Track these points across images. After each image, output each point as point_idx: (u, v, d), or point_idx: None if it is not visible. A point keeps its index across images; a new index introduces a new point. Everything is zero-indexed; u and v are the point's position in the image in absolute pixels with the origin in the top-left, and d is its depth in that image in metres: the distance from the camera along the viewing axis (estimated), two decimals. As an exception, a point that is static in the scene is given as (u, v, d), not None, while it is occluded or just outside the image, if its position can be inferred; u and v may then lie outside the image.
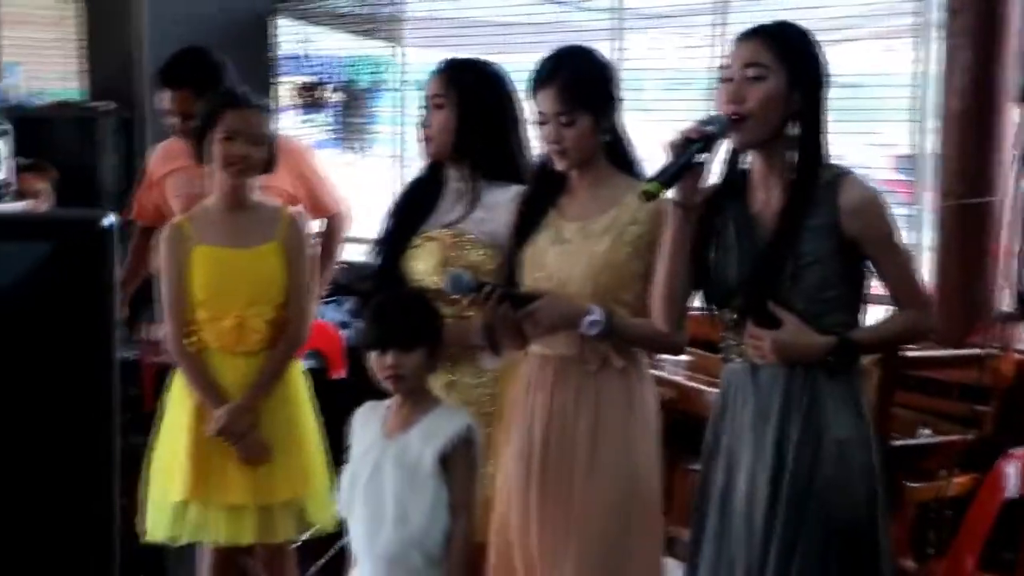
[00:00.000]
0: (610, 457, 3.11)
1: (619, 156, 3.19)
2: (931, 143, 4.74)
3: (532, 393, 3.19)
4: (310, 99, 7.52)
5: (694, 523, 3.02)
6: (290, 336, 3.68)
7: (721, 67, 2.89)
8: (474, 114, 3.39)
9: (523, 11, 6.40)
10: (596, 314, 3.03)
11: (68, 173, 6.65)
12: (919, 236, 4.75)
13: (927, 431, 4.13)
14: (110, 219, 1.26)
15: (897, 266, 2.86)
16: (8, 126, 4.79)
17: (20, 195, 5.15)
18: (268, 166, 3.69)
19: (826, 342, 2.79)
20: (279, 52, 7.55)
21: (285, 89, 7.58)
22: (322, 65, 7.40)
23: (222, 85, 4.41)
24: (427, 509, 3.00)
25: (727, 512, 2.92)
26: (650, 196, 2.74)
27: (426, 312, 3.12)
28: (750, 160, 2.90)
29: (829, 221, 2.78)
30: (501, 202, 3.37)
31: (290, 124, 7.44)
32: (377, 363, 3.06)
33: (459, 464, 3.04)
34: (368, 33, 7.08)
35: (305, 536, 3.86)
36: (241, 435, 3.59)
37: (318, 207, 4.68)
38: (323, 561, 4.29)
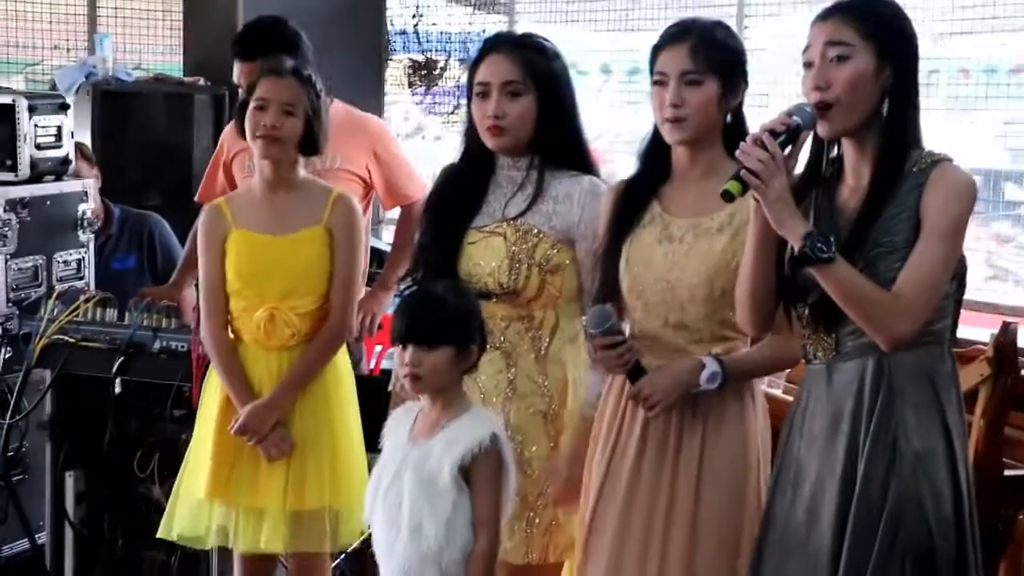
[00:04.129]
0: (721, 474, 3.07)
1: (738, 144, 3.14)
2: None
3: (625, 415, 3.16)
4: (424, 78, 7.56)
5: (758, 537, 2.97)
6: (329, 330, 3.68)
7: (803, 51, 2.82)
8: (554, 102, 3.38)
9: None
10: (712, 365, 3.03)
11: (160, 150, 6.79)
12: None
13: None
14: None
15: (926, 254, 2.68)
16: (69, 101, 4.89)
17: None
18: (309, 146, 3.69)
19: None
20: (390, 28, 7.61)
21: (397, 67, 7.64)
22: (432, 42, 7.43)
23: (298, 57, 4.46)
24: (443, 523, 2.98)
25: (790, 528, 2.87)
26: (730, 197, 2.72)
27: (457, 309, 3.09)
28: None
29: (910, 208, 2.70)
30: (575, 194, 3.36)
31: (403, 104, 7.52)
32: (398, 359, 3.06)
33: (481, 477, 3.01)
34: (482, 7, 7.09)
35: (351, 549, 3.87)
36: (263, 435, 3.60)
37: (394, 193, 4.70)
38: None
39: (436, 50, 7.47)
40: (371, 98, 7.39)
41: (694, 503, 3.07)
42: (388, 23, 7.62)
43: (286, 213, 3.68)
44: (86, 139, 6.21)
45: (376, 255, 5.39)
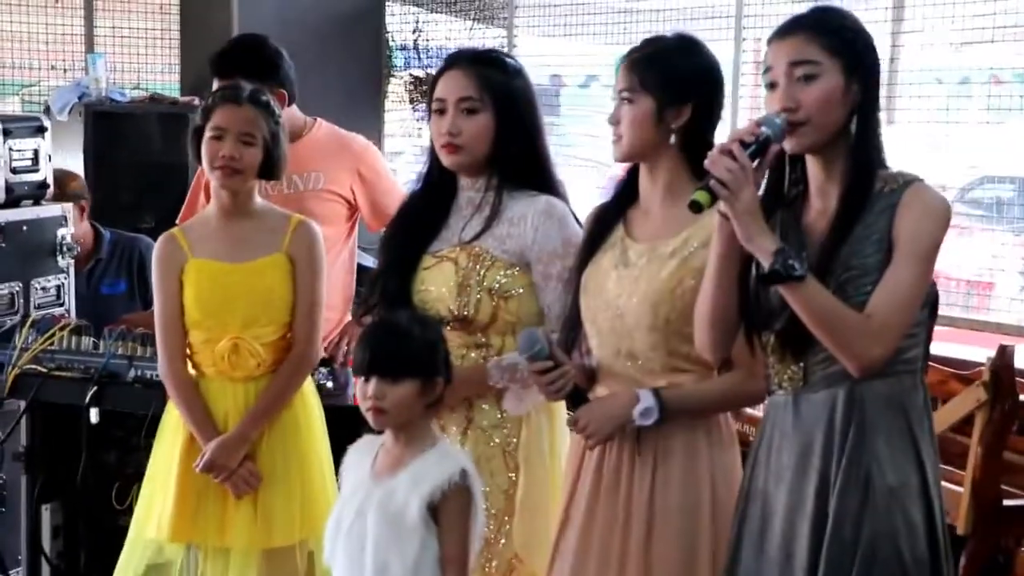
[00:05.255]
0: (672, 513, 2.93)
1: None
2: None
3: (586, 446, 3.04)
4: (425, 94, 7.43)
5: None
6: (294, 359, 3.57)
7: (763, 72, 2.69)
8: (512, 119, 3.25)
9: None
10: (645, 400, 2.90)
11: (154, 171, 6.68)
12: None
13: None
14: None
15: (896, 279, 2.55)
16: (47, 123, 4.78)
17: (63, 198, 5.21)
18: (268, 171, 3.57)
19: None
20: (391, 43, 7.51)
21: (398, 84, 7.54)
22: (433, 58, 7.32)
23: (278, 76, 4.36)
24: (410, 564, 2.85)
25: (762, 568, 2.73)
26: (699, 207, 2.58)
27: (423, 340, 2.95)
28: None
29: (881, 229, 2.58)
30: (529, 214, 3.24)
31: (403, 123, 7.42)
32: (360, 391, 2.93)
33: (450, 514, 2.88)
34: (482, 20, 6.98)
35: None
36: (232, 471, 3.48)
37: (380, 214, 4.57)
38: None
39: (436, 65, 7.33)
40: (371, 115, 7.31)
41: (646, 541, 2.93)
42: (389, 39, 7.51)
43: (245, 240, 3.57)
44: (78, 161, 6.13)
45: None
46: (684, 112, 2.94)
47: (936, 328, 2.77)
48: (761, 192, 2.65)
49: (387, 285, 3.31)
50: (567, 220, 3.24)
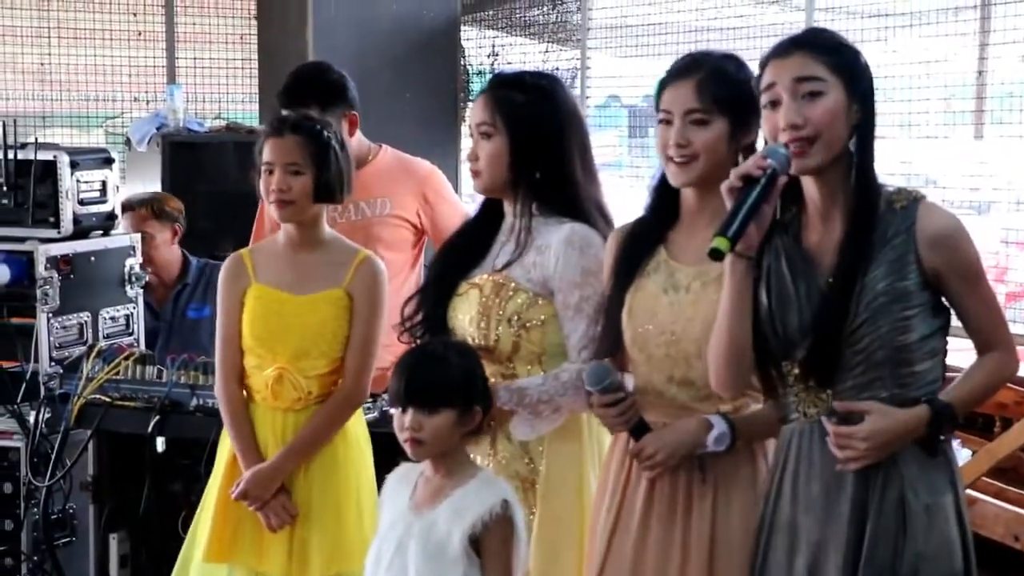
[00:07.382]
0: (736, 545, 2.81)
1: None
2: None
3: (631, 474, 2.92)
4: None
5: None
6: (340, 395, 3.51)
7: (761, 90, 2.61)
8: (527, 141, 3.16)
9: (717, 14, 6.16)
10: (720, 425, 2.80)
11: (231, 199, 6.65)
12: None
13: None
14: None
15: (983, 302, 2.61)
16: (113, 155, 4.78)
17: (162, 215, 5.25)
18: (323, 195, 3.50)
19: (916, 416, 2.53)
20: (468, 67, 7.46)
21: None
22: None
23: (347, 100, 4.36)
24: None
25: None
26: (719, 255, 2.52)
27: (459, 368, 2.88)
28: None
29: (906, 252, 2.54)
30: (553, 243, 3.15)
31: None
32: (397, 423, 2.85)
33: (493, 546, 2.80)
34: (556, 42, 6.90)
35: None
36: (265, 502, 3.44)
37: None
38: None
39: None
40: (448, 140, 7.25)
41: (708, 570, 2.82)
42: (466, 63, 7.45)
43: (308, 272, 3.53)
44: (157, 190, 6.12)
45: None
46: (752, 131, 2.85)
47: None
48: (767, 223, 2.59)
49: (425, 309, 3.26)
50: (589, 249, 3.12)
